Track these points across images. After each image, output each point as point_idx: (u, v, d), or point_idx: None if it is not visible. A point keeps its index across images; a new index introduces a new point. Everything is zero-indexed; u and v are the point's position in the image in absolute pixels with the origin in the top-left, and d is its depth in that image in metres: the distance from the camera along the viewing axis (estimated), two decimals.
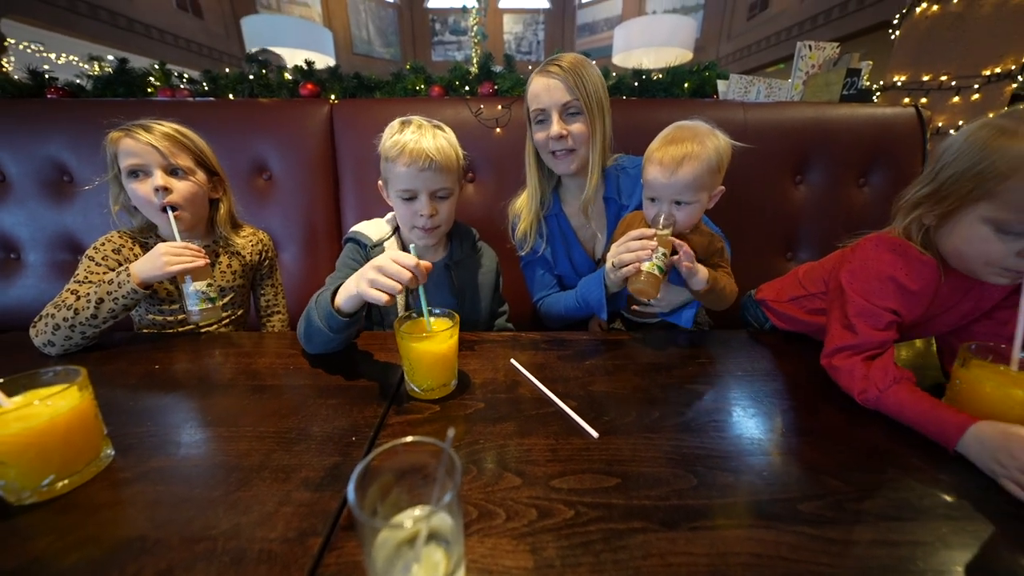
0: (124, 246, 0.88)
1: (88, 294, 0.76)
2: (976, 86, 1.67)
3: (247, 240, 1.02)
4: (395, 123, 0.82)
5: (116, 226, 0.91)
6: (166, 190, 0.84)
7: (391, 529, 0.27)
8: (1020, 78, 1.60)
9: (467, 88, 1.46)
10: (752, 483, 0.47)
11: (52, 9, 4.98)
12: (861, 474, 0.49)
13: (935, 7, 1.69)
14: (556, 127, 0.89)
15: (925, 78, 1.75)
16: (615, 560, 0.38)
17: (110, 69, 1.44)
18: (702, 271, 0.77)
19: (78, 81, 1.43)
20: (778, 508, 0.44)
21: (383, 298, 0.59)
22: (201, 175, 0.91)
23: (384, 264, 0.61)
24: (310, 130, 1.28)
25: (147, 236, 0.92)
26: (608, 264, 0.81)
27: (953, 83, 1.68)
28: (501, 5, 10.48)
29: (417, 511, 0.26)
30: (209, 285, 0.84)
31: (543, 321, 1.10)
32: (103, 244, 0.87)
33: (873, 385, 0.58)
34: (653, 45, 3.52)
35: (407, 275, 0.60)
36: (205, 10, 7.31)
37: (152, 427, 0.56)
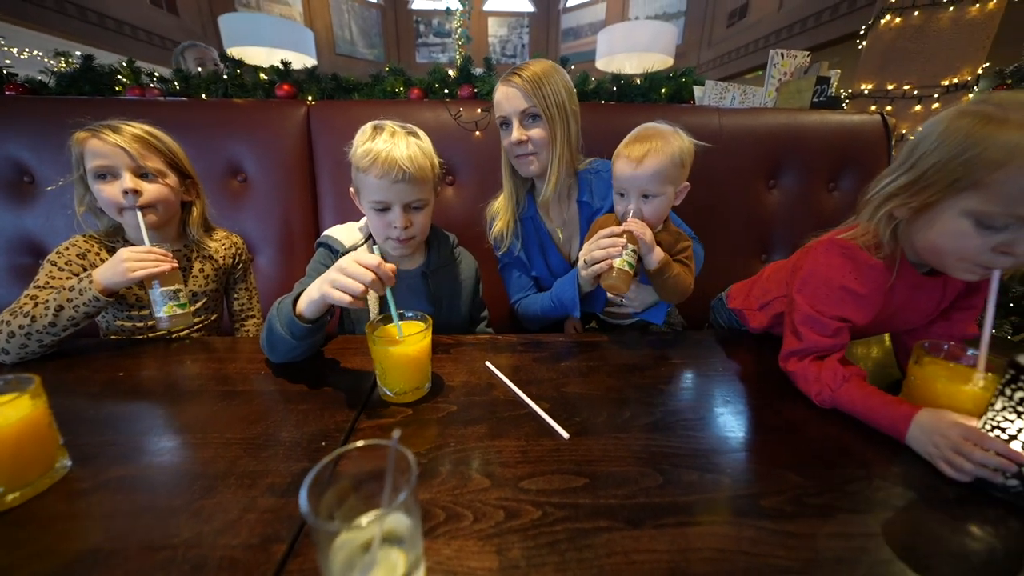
0: (90, 250, 0.85)
1: (47, 301, 0.73)
2: (936, 95, 1.76)
3: (220, 244, 0.99)
4: (367, 128, 0.78)
5: (81, 228, 0.88)
6: (136, 192, 0.81)
7: (347, 533, 0.27)
8: (976, 88, 1.69)
9: (446, 91, 1.46)
10: (716, 480, 0.48)
11: (14, 1, 4.78)
12: (820, 469, 0.50)
13: (898, 19, 1.77)
14: (516, 133, 0.92)
15: (890, 87, 1.83)
16: (579, 559, 0.38)
17: (76, 65, 1.39)
18: (657, 250, 0.80)
19: (40, 78, 1.38)
20: (740, 504, 0.45)
21: (345, 299, 0.58)
22: (172, 178, 0.88)
23: (346, 265, 0.60)
24: (287, 131, 1.26)
25: (114, 240, 0.89)
26: (580, 262, 0.83)
27: (915, 92, 1.77)
28: (486, 8, 10.49)
29: (373, 515, 0.26)
30: (178, 290, 0.81)
31: (521, 323, 1.11)
32: (67, 248, 0.84)
33: (826, 387, 0.60)
34: (635, 50, 3.57)
35: (370, 276, 0.58)
36: (181, 7, 7.12)
37: (113, 436, 0.54)
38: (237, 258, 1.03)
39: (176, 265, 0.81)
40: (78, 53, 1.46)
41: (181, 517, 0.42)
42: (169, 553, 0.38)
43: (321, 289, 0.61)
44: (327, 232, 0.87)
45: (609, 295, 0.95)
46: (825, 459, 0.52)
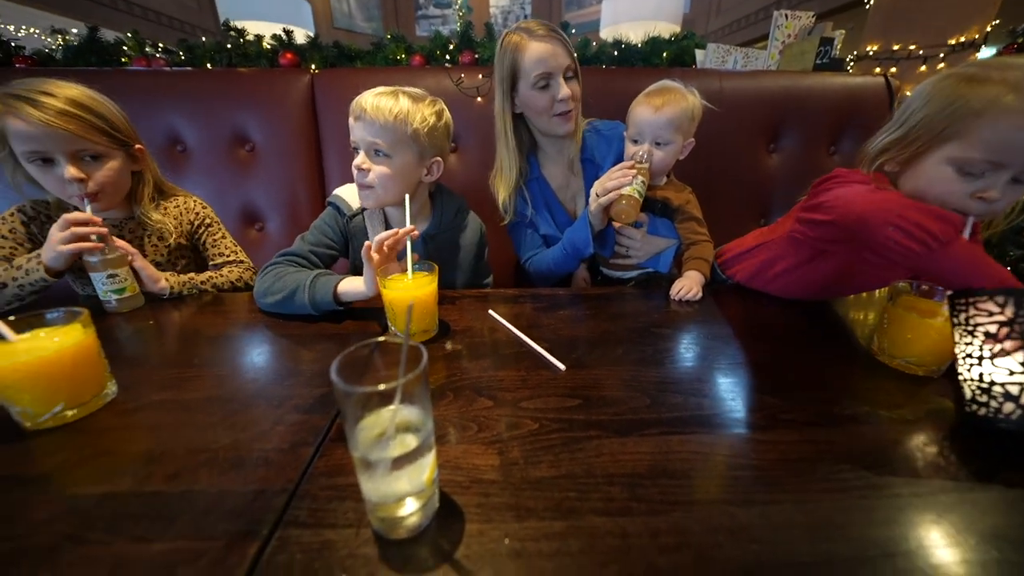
0: (35, 219, 0.81)
1: None
2: (942, 55, 1.72)
3: (172, 214, 0.93)
4: None
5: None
6: (81, 181, 0.74)
7: (370, 416, 0.32)
8: (983, 47, 1.65)
9: (448, 58, 1.47)
10: (699, 402, 0.53)
11: None
12: (795, 392, 0.55)
13: None
14: (566, 89, 0.92)
15: (895, 47, 1.79)
16: (571, 458, 0.43)
17: (75, 41, 1.40)
18: (698, 284, 0.86)
19: (47, 51, 1.40)
20: (719, 419, 0.50)
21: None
22: (117, 155, 0.80)
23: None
24: (291, 100, 1.28)
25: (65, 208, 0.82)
26: (592, 195, 0.88)
27: (920, 52, 1.74)
28: None
29: (392, 406, 0.31)
30: (113, 275, 0.75)
31: (532, 280, 1.14)
32: (12, 215, 0.79)
33: (952, 226, 0.57)
34: (640, 19, 3.46)
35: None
36: None
37: (151, 371, 0.60)
38: (195, 224, 0.96)
39: (105, 230, 0.75)
40: (75, 30, 1.47)
41: (219, 429, 0.47)
42: (211, 454, 0.44)
43: (370, 282, 0.69)
44: (337, 191, 0.90)
45: (617, 247, 0.98)
46: (802, 386, 0.57)
